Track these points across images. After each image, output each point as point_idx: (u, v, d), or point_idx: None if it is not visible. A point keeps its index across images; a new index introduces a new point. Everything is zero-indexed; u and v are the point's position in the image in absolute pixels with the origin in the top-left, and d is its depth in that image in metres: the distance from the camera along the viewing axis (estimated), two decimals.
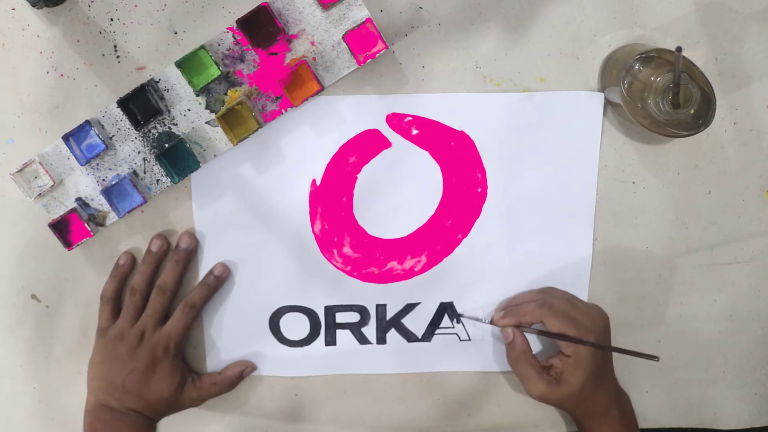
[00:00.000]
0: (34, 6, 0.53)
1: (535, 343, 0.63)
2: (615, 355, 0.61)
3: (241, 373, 0.63)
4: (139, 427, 0.58)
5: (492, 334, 0.64)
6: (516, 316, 0.60)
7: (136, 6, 0.56)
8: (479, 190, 0.62)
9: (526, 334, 0.60)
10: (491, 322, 0.62)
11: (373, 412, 0.65)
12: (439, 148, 0.61)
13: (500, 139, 0.60)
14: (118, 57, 0.57)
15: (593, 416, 0.60)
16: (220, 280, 0.61)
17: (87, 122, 0.56)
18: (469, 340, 0.64)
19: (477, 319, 0.63)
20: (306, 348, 0.64)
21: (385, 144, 0.60)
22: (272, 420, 0.65)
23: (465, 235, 0.62)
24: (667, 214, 0.63)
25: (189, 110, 0.57)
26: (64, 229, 0.58)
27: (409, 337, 0.64)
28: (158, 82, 0.57)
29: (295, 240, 0.62)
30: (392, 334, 0.64)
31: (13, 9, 0.56)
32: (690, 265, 0.64)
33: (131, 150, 0.58)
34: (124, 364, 0.58)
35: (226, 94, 0.57)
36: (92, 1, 0.56)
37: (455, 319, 0.63)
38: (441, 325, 0.64)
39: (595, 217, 0.62)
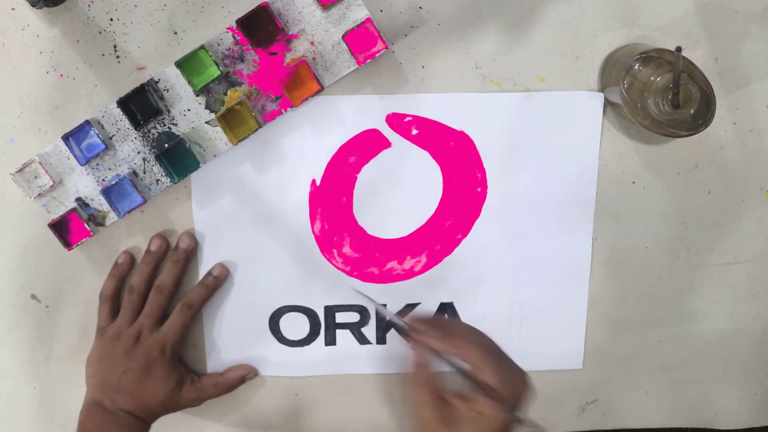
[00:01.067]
0: (34, 6, 0.53)
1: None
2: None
3: (243, 377, 0.63)
4: (129, 429, 0.58)
5: (492, 335, 0.64)
6: (446, 342, 0.52)
7: (136, 6, 0.56)
8: (479, 190, 0.62)
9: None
10: (409, 332, 0.54)
11: (373, 412, 0.65)
12: (439, 148, 0.61)
13: (500, 139, 0.60)
14: (118, 57, 0.57)
15: None
16: (218, 280, 0.61)
17: (87, 122, 0.56)
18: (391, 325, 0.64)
19: (399, 325, 0.55)
20: (306, 348, 0.64)
21: (385, 144, 0.60)
22: (272, 420, 0.65)
23: (465, 235, 0.62)
24: (667, 214, 0.63)
25: (189, 110, 0.57)
26: (64, 229, 0.58)
27: None
28: (158, 82, 0.57)
29: (295, 240, 0.62)
30: (392, 334, 0.64)
31: (13, 9, 0.56)
32: (690, 265, 0.64)
33: (131, 150, 0.58)
34: (121, 363, 0.58)
35: (225, 94, 0.57)
36: (92, 1, 0.56)
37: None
38: None
39: (595, 217, 0.62)
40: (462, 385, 0.51)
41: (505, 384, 0.50)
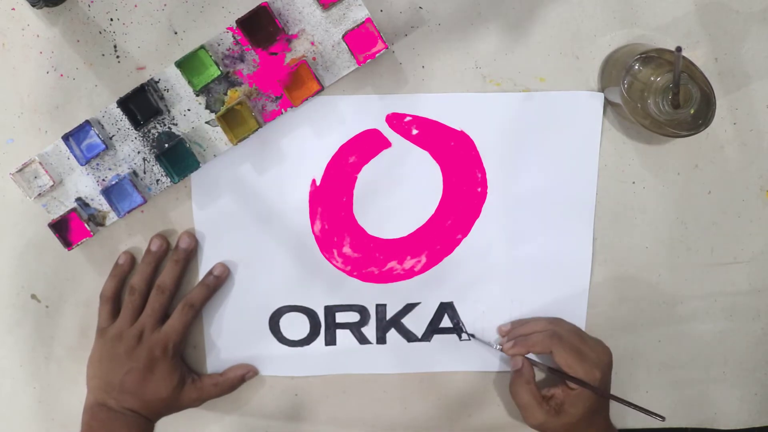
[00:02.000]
0: (34, 6, 0.53)
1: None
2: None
3: (243, 376, 0.63)
4: (135, 428, 0.58)
5: (491, 335, 0.64)
6: (526, 345, 0.60)
7: (136, 6, 0.56)
8: (479, 190, 0.62)
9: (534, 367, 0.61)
10: (501, 350, 0.62)
11: (373, 412, 0.65)
12: (439, 148, 0.61)
13: (500, 139, 0.60)
14: (118, 57, 0.57)
15: None
16: (219, 280, 0.61)
17: (87, 122, 0.56)
18: (469, 339, 0.64)
19: (488, 344, 0.63)
20: (306, 348, 0.64)
21: (385, 144, 0.60)
22: (272, 420, 0.65)
23: (465, 235, 0.62)
24: (667, 214, 0.63)
25: (189, 110, 0.57)
26: (64, 229, 0.58)
27: (409, 337, 0.64)
28: (158, 82, 0.57)
29: (295, 240, 0.62)
30: (392, 334, 0.64)
31: (13, 9, 0.56)
32: (690, 265, 0.64)
33: (131, 150, 0.58)
34: (123, 363, 0.58)
35: (226, 94, 0.57)
36: (92, 1, 0.56)
37: (463, 334, 0.64)
38: (441, 325, 0.64)
39: (595, 216, 0.62)
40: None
41: (585, 359, 0.59)
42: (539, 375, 0.63)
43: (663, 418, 0.58)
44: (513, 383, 0.61)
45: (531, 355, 0.62)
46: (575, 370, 0.58)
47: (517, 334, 0.62)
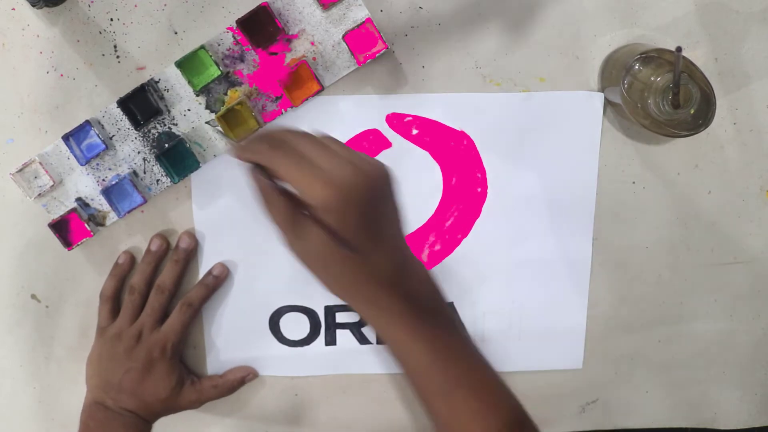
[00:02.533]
0: (34, 6, 0.53)
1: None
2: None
3: (242, 379, 0.63)
4: (132, 428, 0.58)
5: (492, 335, 0.64)
6: (248, 150, 0.42)
7: (136, 6, 0.56)
8: (479, 190, 0.62)
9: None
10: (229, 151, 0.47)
11: (373, 412, 0.65)
12: (439, 148, 0.61)
13: (500, 139, 0.60)
14: (118, 57, 0.57)
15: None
16: (218, 280, 0.61)
17: (87, 122, 0.56)
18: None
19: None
20: (306, 348, 0.64)
21: (385, 144, 0.60)
22: (272, 420, 0.65)
23: (465, 235, 0.62)
24: (667, 214, 0.63)
25: (189, 110, 0.57)
26: (64, 229, 0.58)
27: None
28: (158, 82, 0.57)
29: None
30: None
31: (13, 9, 0.56)
32: (690, 265, 0.64)
33: (131, 150, 0.58)
34: (122, 363, 0.58)
35: (226, 94, 0.57)
36: (92, 1, 0.56)
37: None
38: None
39: (595, 217, 0.62)
40: None
41: (315, 170, 0.39)
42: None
43: None
44: (262, 206, 0.44)
45: None
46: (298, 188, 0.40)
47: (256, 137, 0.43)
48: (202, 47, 0.55)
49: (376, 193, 0.41)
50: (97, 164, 0.57)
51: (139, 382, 0.58)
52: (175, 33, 0.57)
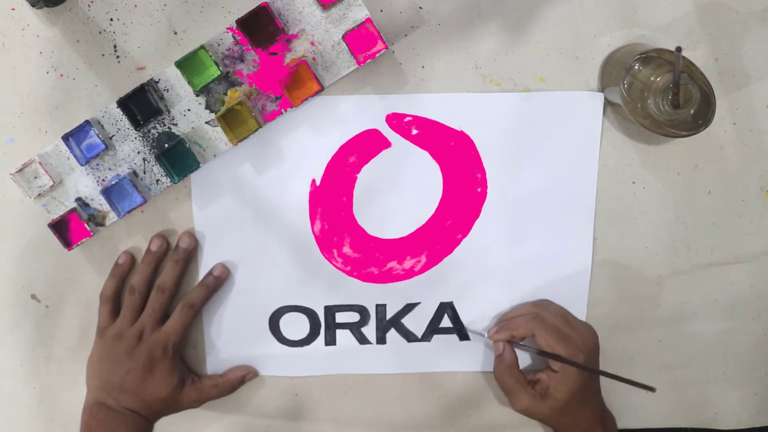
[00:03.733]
0: (34, 6, 0.53)
1: (525, 357, 0.64)
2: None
3: (242, 378, 0.63)
4: (134, 427, 0.58)
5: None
6: (508, 329, 0.60)
7: (136, 6, 0.56)
8: (479, 190, 0.62)
9: (518, 350, 0.61)
10: (488, 337, 0.62)
11: (373, 412, 0.65)
12: (439, 148, 0.61)
13: (500, 139, 0.60)
14: (118, 57, 0.57)
15: None
16: (219, 280, 0.61)
17: (87, 122, 0.56)
18: (469, 339, 0.64)
19: (479, 334, 0.63)
20: (306, 348, 0.64)
21: (385, 144, 0.60)
22: (272, 420, 0.65)
23: (465, 235, 0.62)
24: (667, 214, 0.63)
25: (189, 110, 0.57)
26: (64, 229, 0.58)
27: (409, 337, 0.64)
28: (158, 82, 0.57)
29: (295, 240, 0.62)
30: (392, 334, 0.64)
31: (13, 9, 0.56)
32: (690, 265, 0.64)
33: (131, 150, 0.58)
34: (123, 363, 0.58)
35: (226, 94, 0.57)
36: (92, 1, 0.56)
37: (457, 327, 0.64)
38: (441, 325, 0.64)
39: (595, 217, 0.62)
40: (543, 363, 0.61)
41: (569, 341, 0.58)
42: (528, 360, 0.64)
43: (653, 389, 0.55)
44: (496, 368, 0.61)
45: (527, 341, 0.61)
46: (558, 352, 0.58)
47: (502, 320, 0.62)
48: (202, 47, 0.55)
49: (598, 350, 0.61)
50: (97, 164, 0.57)
51: (141, 382, 0.58)
52: (175, 33, 0.57)
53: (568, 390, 0.58)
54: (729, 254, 0.64)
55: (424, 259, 0.63)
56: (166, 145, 0.57)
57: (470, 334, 0.64)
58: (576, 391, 0.58)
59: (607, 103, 0.60)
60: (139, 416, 0.58)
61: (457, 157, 0.61)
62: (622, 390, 0.65)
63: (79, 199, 0.58)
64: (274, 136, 0.59)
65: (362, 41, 0.56)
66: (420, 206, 0.62)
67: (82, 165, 0.57)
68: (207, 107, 0.57)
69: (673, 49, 0.50)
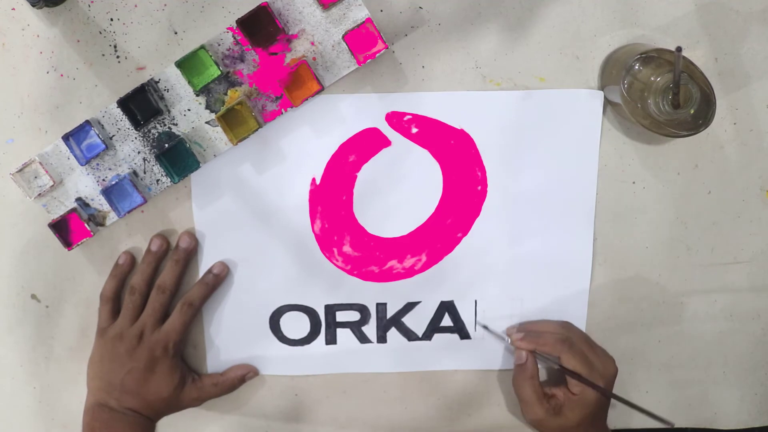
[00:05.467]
0: (34, 6, 0.53)
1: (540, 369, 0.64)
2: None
3: (243, 377, 0.63)
4: (137, 427, 0.58)
5: (491, 335, 0.64)
6: (536, 342, 0.61)
7: (136, 6, 0.56)
8: (479, 188, 0.62)
9: (540, 363, 0.61)
10: (511, 342, 0.62)
11: (373, 412, 0.65)
12: (439, 147, 0.61)
13: (500, 137, 0.60)
14: (118, 57, 0.57)
15: None
16: (219, 278, 0.61)
17: (87, 122, 0.56)
18: (470, 338, 0.64)
19: (499, 336, 0.63)
20: (306, 347, 0.64)
21: (385, 143, 0.60)
22: (272, 420, 0.65)
23: (465, 233, 0.62)
24: (667, 214, 0.63)
25: (189, 110, 0.57)
26: (64, 229, 0.58)
27: (410, 336, 0.64)
28: (158, 82, 0.57)
29: (295, 239, 0.62)
30: (392, 333, 0.64)
31: (13, 9, 0.56)
32: (690, 265, 0.64)
33: (131, 150, 0.58)
34: (123, 363, 0.58)
35: (226, 94, 0.57)
36: (92, 1, 0.56)
37: (477, 325, 0.64)
38: (441, 324, 0.64)
39: (595, 217, 0.62)
40: (559, 378, 0.62)
41: (592, 368, 0.59)
42: (542, 372, 0.63)
43: (672, 425, 0.57)
44: (516, 377, 0.61)
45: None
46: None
47: (527, 329, 0.62)
48: (202, 47, 0.55)
49: (615, 379, 0.61)
50: (97, 164, 0.57)
51: (142, 382, 0.58)
52: (175, 33, 0.57)
53: (581, 413, 0.59)
54: (729, 254, 0.64)
55: (424, 257, 0.63)
56: (166, 145, 0.57)
57: (478, 330, 0.63)
58: (588, 415, 0.59)
59: (607, 102, 0.60)
60: (141, 416, 0.58)
61: (457, 156, 0.61)
62: (622, 390, 0.65)
63: (79, 199, 0.58)
64: (274, 136, 0.59)
65: (362, 41, 0.56)
66: (420, 205, 0.62)
67: (82, 165, 0.57)
68: (207, 107, 0.57)
69: (673, 49, 0.50)
